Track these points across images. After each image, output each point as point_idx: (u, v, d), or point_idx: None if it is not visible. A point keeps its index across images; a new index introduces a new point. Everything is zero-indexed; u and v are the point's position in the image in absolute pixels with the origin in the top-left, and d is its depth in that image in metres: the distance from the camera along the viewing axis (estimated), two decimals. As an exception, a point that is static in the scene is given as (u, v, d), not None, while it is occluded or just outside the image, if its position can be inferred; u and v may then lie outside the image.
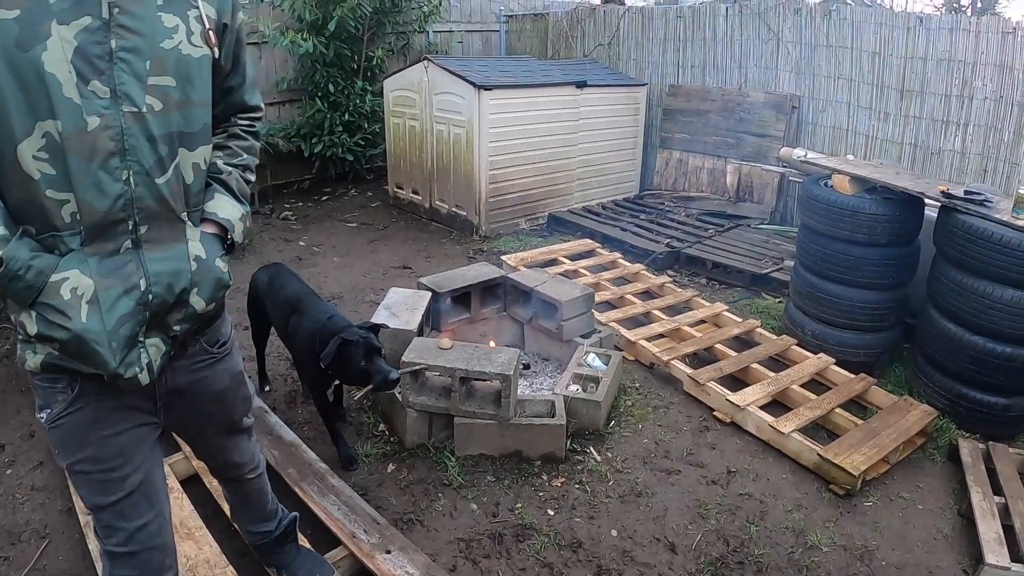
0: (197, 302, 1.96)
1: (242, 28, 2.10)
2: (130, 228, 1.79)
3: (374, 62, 9.66)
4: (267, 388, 4.72)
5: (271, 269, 4.48)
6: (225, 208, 2.09)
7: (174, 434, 2.58)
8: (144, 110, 1.74)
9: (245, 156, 2.22)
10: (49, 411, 1.96)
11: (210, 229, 2.04)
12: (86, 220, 1.74)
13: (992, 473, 3.93)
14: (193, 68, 1.85)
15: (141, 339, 1.87)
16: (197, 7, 1.86)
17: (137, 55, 1.72)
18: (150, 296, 1.84)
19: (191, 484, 3.64)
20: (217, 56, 1.94)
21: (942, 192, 4.56)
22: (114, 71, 1.69)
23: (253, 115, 2.27)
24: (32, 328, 1.77)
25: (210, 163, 2.05)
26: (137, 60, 1.72)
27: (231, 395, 2.34)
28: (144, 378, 1.89)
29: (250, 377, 4.65)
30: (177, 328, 1.95)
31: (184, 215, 1.93)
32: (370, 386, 3.61)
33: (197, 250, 1.96)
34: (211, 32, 1.89)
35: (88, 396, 1.94)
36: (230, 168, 2.15)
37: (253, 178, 2.27)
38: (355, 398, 3.88)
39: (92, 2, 1.65)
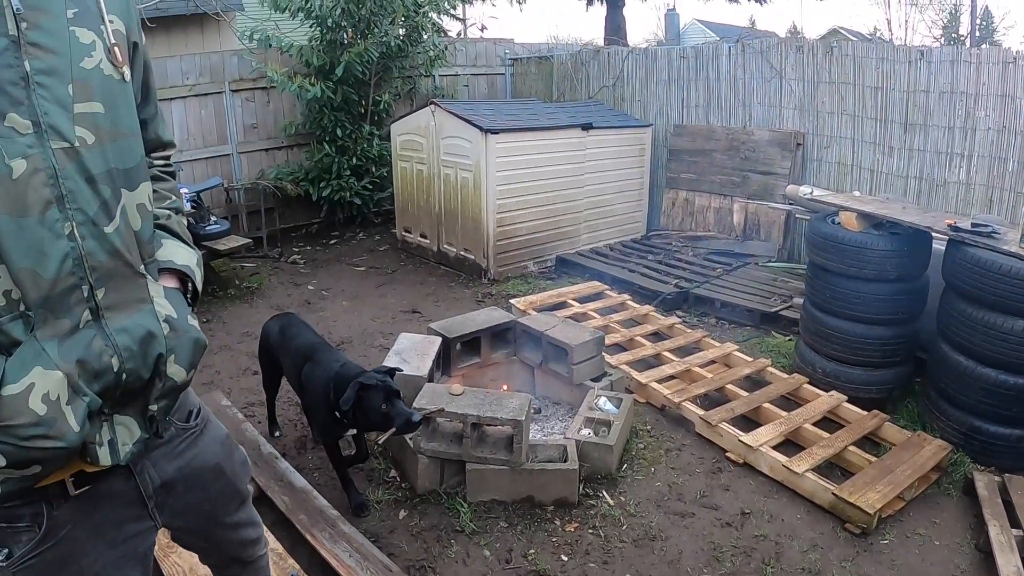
0: (176, 372, 1.64)
1: (148, 51, 1.75)
2: (86, 295, 1.45)
3: (381, 106, 9.77)
4: (277, 434, 4.71)
5: (283, 319, 4.51)
6: (179, 254, 1.78)
7: (175, 542, 2.14)
8: (76, 144, 1.41)
9: (174, 198, 1.89)
10: (5, 551, 1.53)
11: (170, 282, 1.72)
12: (30, 296, 1.38)
13: (1009, 506, 3.88)
14: (118, 91, 1.53)
15: (106, 411, 1.53)
16: (111, 20, 1.54)
17: (57, 78, 1.40)
18: (124, 376, 1.51)
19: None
20: (129, 79, 1.59)
21: (949, 225, 4.57)
22: (33, 99, 1.35)
23: (167, 152, 1.94)
24: None
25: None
26: (58, 84, 1.40)
27: (228, 464, 2.01)
28: (104, 456, 1.54)
29: (259, 423, 4.71)
30: (155, 407, 1.63)
31: (142, 268, 1.60)
32: (392, 430, 3.59)
33: (165, 309, 1.63)
34: (117, 49, 1.53)
35: (61, 528, 1.57)
36: (167, 212, 1.82)
37: (186, 223, 1.94)
38: (379, 442, 3.87)
39: None
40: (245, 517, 2.15)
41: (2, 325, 1.38)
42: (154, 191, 1.78)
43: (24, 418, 1.36)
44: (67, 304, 1.43)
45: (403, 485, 4.19)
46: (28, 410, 1.36)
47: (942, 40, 37.74)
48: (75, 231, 1.41)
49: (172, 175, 1.93)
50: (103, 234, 1.47)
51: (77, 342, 1.44)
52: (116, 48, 1.52)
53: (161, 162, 1.90)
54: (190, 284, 1.79)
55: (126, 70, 1.56)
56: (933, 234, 4.73)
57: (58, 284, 1.40)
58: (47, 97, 1.37)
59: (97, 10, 1.50)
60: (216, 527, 2.05)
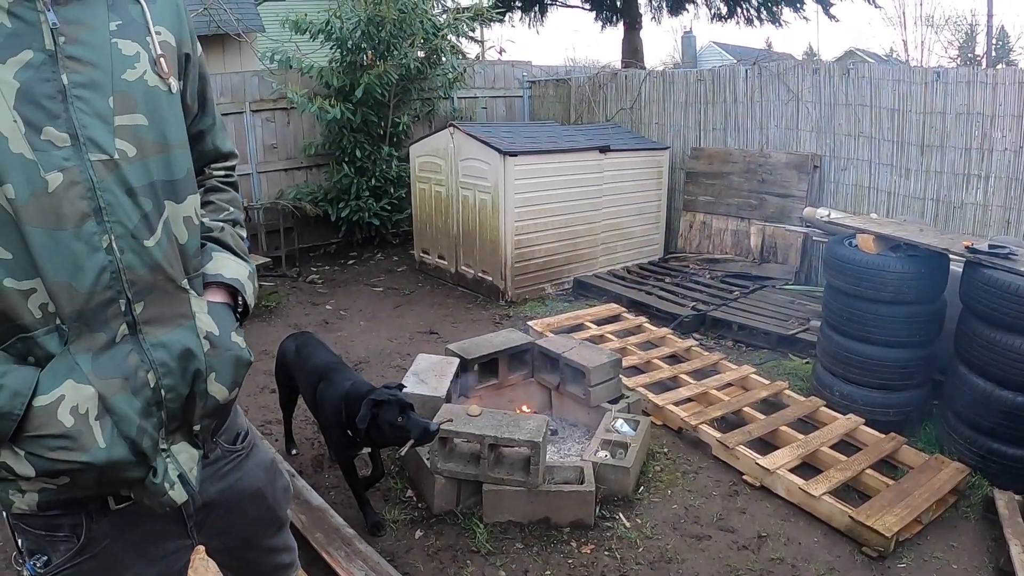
0: (218, 390, 1.61)
1: (204, 61, 1.77)
2: (123, 309, 1.43)
3: (400, 128, 9.84)
4: (294, 452, 4.74)
5: (299, 338, 4.54)
6: (230, 267, 1.74)
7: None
8: (116, 156, 1.40)
9: (232, 210, 1.87)
10: (44, 559, 1.54)
11: (218, 297, 1.69)
12: (65, 310, 1.37)
13: (1030, 526, 3.86)
14: (164, 103, 1.51)
15: (164, 447, 1.53)
16: (159, 32, 1.53)
17: (97, 91, 1.39)
18: (162, 392, 1.49)
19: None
20: (180, 91, 1.60)
21: (966, 247, 4.56)
22: (71, 112, 1.35)
23: (229, 163, 1.93)
24: (24, 469, 1.38)
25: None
26: (98, 97, 1.39)
27: (270, 490, 1.96)
28: (179, 494, 1.55)
29: (276, 440, 4.74)
30: (198, 427, 1.61)
31: (185, 283, 1.57)
32: (411, 442, 3.60)
33: (207, 325, 1.60)
34: (164, 60, 1.53)
35: (99, 542, 1.56)
36: (221, 224, 1.80)
37: (245, 234, 1.91)
38: (401, 454, 3.86)
39: (31, 33, 1.33)
40: (281, 543, 2.10)
41: (37, 338, 1.38)
42: (211, 202, 1.81)
43: (51, 429, 1.36)
44: (103, 318, 1.41)
45: (419, 505, 4.20)
46: (56, 422, 1.36)
47: (958, 60, 37.68)
48: (113, 244, 1.39)
49: (233, 186, 1.92)
50: (143, 247, 1.45)
51: (112, 357, 1.43)
52: (163, 59, 1.52)
53: (222, 173, 1.90)
54: (240, 299, 1.75)
55: (173, 81, 1.55)
56: (950, 256, 4.73)
57: (94, 298, 1.38)
58: (85, 110, 1.36)
59: (143, 22, 1.50)
60: (251, 550, 2.01)
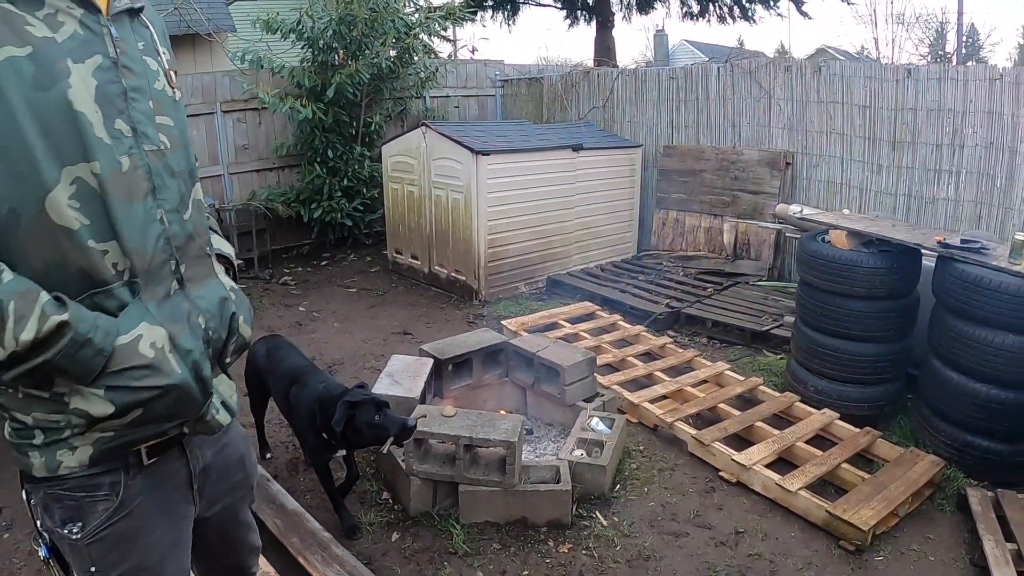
0: (245, 330, 1.91)
1: None
2: (173, 268, 1.70)
3: (372, 128, 9.79)
4: (268, 455, 4.69)
5: (269, 341, 4.49)
6: (223, 244, 2.07)
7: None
8: (162, 147, 1.68)
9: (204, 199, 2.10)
10: (79, 525, 1.69)
11: (220, 266, 1.99)
12: (137, 266, 1.61)
13: (1002, 520, 3.89)
14: (177, 109, 1.79)
15: (210, 379, 1.78)
16: (164, 52, 1.79)
17: (142, 95, 1.65)
18: (210, 332, 1.77)
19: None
20: (180, 99, 1.85)
21: (939, 242, 4.59)
22: (129, 109, 1.61)
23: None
24: (100, 408, 1.56)
25: None
26: (143, 100, 1.65)
27: (249, 458, 2.19)
28: (224, 417, 1.85)
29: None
30: (229, 360, 1.91)
31: (208, 249, 1.88)
32: (390, 440, 3.57)
33: (227, 281, 1.94)
34: (172, 74, 1.81)
35: (134, 499, 1.74)
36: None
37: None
38: (384, 451, 3.82)
39: (99, 41, 1.58)
40: (251, 519, 2.30)
41: (114, 290, 1.60)
42: None
43: (135, 361, 1.58)
44: (161, 275, 1.68)
45: (395, 507, 4.17)
46: (139, 355, 1.59)
47: (929, 58, 38.04)
48: (164, 217, 1.68)
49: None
50: (183, 220, 1.74)
51: (171, 305, 1.69)
52: (171, 73, 1.80)
53: None
54: (230, 271, 2.08)
55: (178, 92, 1.82)
56: (923, 251, 4.76)
57: (155, 258, 1.66)
58: (139, 109, 1.64)
59: (154, 43, 1.77)
60: (234, 525, 2.20)
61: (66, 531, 1.70)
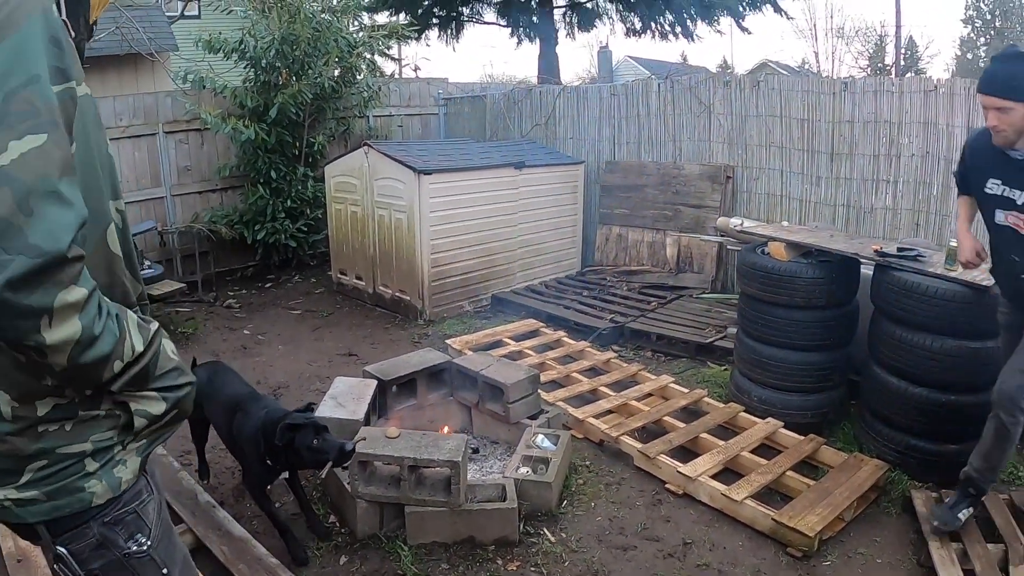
0: None
1: None
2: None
3: (315, 148, 9.73)
4: (206, 481, 4.60)
5: (210, 368, 4.41)
6: None
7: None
8: None
9: None
10: (147, 531, 1.70)
11: None
12: (143, 292, 1.74)
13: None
14: None
15: None
16: None
17: None
18: None
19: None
20: None
21: (876, 251, 4.68)
22: None
23: None
24: (158, 407, 1.63)
25: None
26: None
27: None
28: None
29: (196, 470, 4.62)
30: None
31: None
32: (329, 464, 3.56)
33: None
34: None
35: (160, 490, 1.81)
36: None
37: None
38: (322, 476, 3.78)
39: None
40: None
41: (136, 311, 1.63)
42: None
43: (170, 364, 1.63)
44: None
45: (343, 530, 4.12)
46: (170, 359, 1.64)
47: (868, 70, 38.82)
48: None
49: None
50: None
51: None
52: None
53: None
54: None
55: None
56: (861, 260, 4.84)
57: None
58: None
59: None
60: None
61: (135, 547, 1.66)
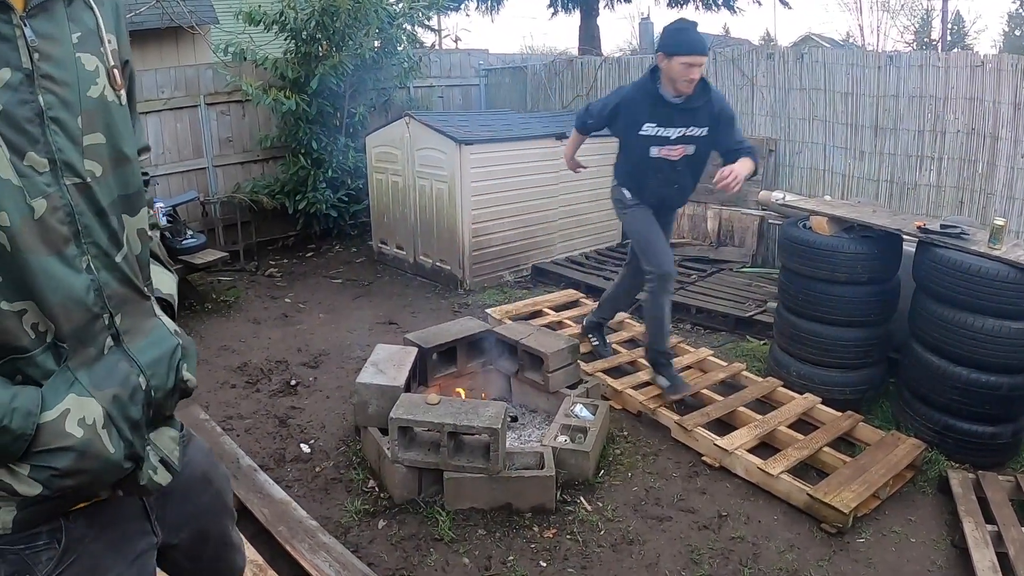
0: (190, 378, 1.67)
1: (132, 64, 1.65)
2: (107, 323, 1.45)
3: (356, 119, 9.74)
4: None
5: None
6: (164, 281, 1.79)
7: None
8: (88, 179, 1.39)
9: (151, 213, 1.79)
10: None
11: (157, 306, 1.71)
12: (64, 328, 1.38)
13: (983, 502, 3.93)
14: (117, 117, 1.47)
15: (148, 436, 1.56)
16: (110, 41, 1.48)
17: (68, 111, 1.35)
18: (152, 392, 1.54)
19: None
20: (125, 102, 1.53)
21: (919, 227, 4.63)
22: (48, 135, 1.32)
23: (145, 156, 1.77)
24: (26, 488, 1.36)
25: None
26: (70, 117, 1.36)
27: (215, 474, 1.96)
28: (164, 476, 1.59)
29: (238, 435, 4.71)
30: (170, 415, 1.67)
31: (146, 290, 1.60)
32: None
33: (169, 324, 1.67)
34: (117, 71, 1.48)
35: (79, 543, 1.51)
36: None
37: (159, 237, 1.91)
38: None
39: (8, 50, 1.26)
40: (236, 538, 2.10)
41: (35, 357, 1.36)
42: None
43: (62, 442, 1.36)
44: (92, 333, 1.43)
45: (381, 495, 4.19)
46: (65, 434, 1.36)
47: (914, 45, 38.11)
48: (91, 264, 1.41)
49: (147, 182, 1.76)
50: (114, 263, 1.46)
51: (105, 367, 1.45)
52: (116, 71, 1.47)
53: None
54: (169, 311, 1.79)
55: (123, 93, 1.50)
56: (903, 236, 4.80)
57: (84, 315, 1.40)
58: (60, 132, 1.34)
59: (96, 29, 1.45)
60: (207, 546, 1.96)
61: None
